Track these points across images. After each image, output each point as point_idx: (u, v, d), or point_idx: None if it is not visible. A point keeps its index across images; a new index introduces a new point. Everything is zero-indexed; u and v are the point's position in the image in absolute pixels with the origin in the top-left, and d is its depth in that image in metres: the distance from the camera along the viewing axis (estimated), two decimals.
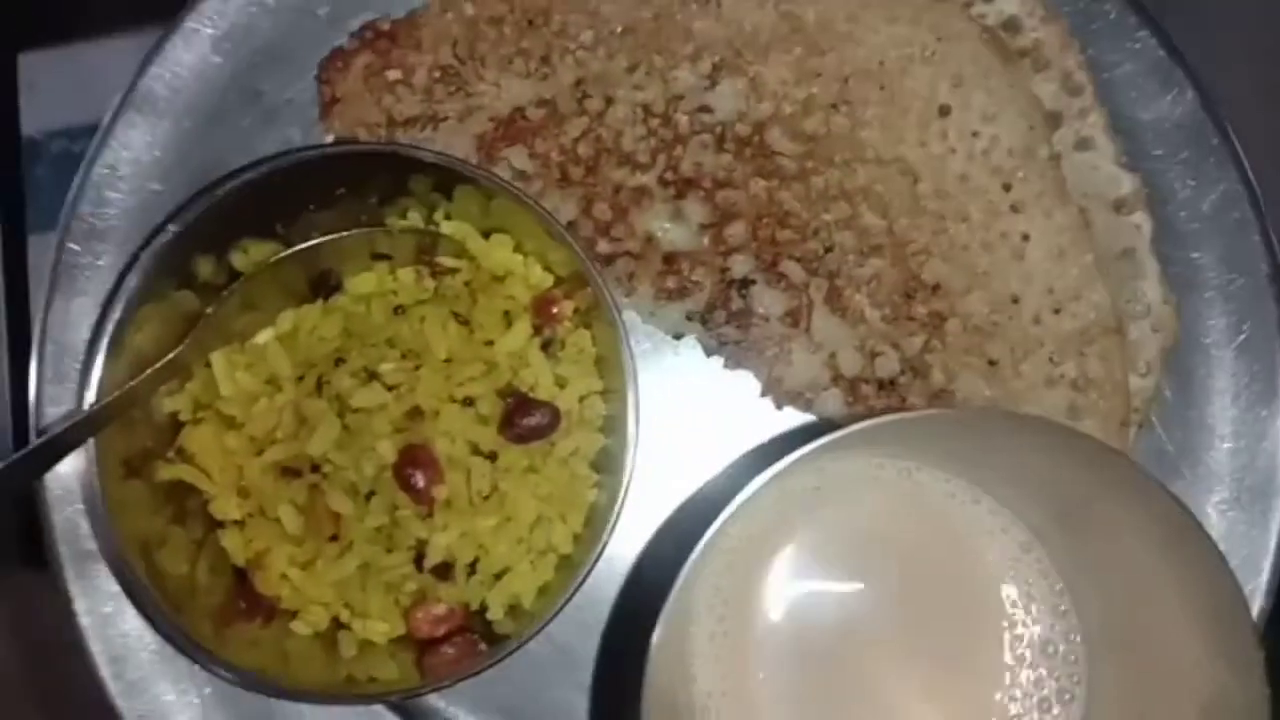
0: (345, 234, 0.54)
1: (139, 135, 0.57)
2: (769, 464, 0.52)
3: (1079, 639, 0.50)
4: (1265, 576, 0.54)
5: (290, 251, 0.53)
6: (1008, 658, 0.50)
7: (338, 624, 0.54)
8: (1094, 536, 0.48)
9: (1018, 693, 0.50)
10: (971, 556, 0.51)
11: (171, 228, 0.50)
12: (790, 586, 0.52)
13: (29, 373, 0.55)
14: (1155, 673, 0.46)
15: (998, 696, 0.50)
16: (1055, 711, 0.50)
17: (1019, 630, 0.51)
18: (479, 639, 0.53)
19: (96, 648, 0.55)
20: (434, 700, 0.57)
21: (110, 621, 0.55)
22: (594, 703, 0.56)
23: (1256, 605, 0.54)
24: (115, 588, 0.55)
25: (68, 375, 0.56)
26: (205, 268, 0.52)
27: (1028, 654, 0.50)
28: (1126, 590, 0.47)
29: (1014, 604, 0.51)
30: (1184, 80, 0.57)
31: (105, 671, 0.55)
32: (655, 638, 0.43)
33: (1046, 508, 0.49)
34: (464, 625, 0.53)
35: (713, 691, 0.51)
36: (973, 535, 0.51)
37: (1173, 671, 0.45)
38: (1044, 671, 0.50)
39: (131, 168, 0.57)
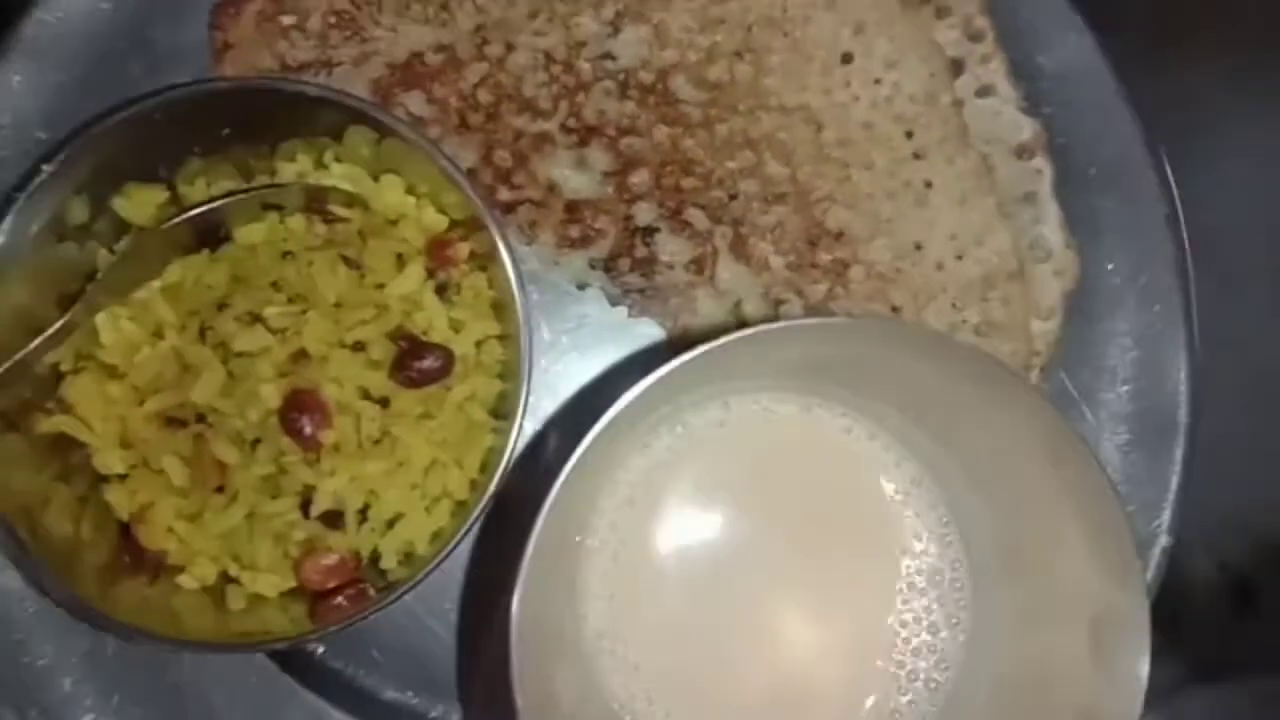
0: (234, 198, 0.52)
1: (23, 83, 0.56)
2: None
3: (964, 568, 0.50)
4: (1166, 515, 0.54)
5: (185, 217, 0.52)
6: (899, 585, 0.50)
7: (226, 578, 0.52)
8: (983, 459, 0.48)
9: (908, 618, 0.50)
10: (866, 491, 0.51)
11: (46, 168, 0.49)
12: (688, 522, 0.51)
13: None
14: (1043, 593, 0.46)
15: (889, 620, 0.50)
16: (943, 635, 0.49)
17: (908, 561, 0.50)
18: (371, 589, 0.52)
19: None
20: (313, 649, 0.56)
21: None
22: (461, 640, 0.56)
23: (1159, 545, 0.54)
24: None
25: None
26: (81, 211, 0.50)
27: (918, 580, 0.50)
28: (1014, 514, 0.47)
29: (907, 534, 0.50)
30: (1081, 26, 0.57)
31: None
32: (526, 560, 0.42)
33: (938, 433, 0.49)
34: (356, 577, 0.52)
35: (604, 632, 0.50)
36: (868, 470, 0.51)
37: (1060, 592, 0.45)
38: (933, 597, 0.50)
39: (14, 116, 0.55)
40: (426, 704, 0.56)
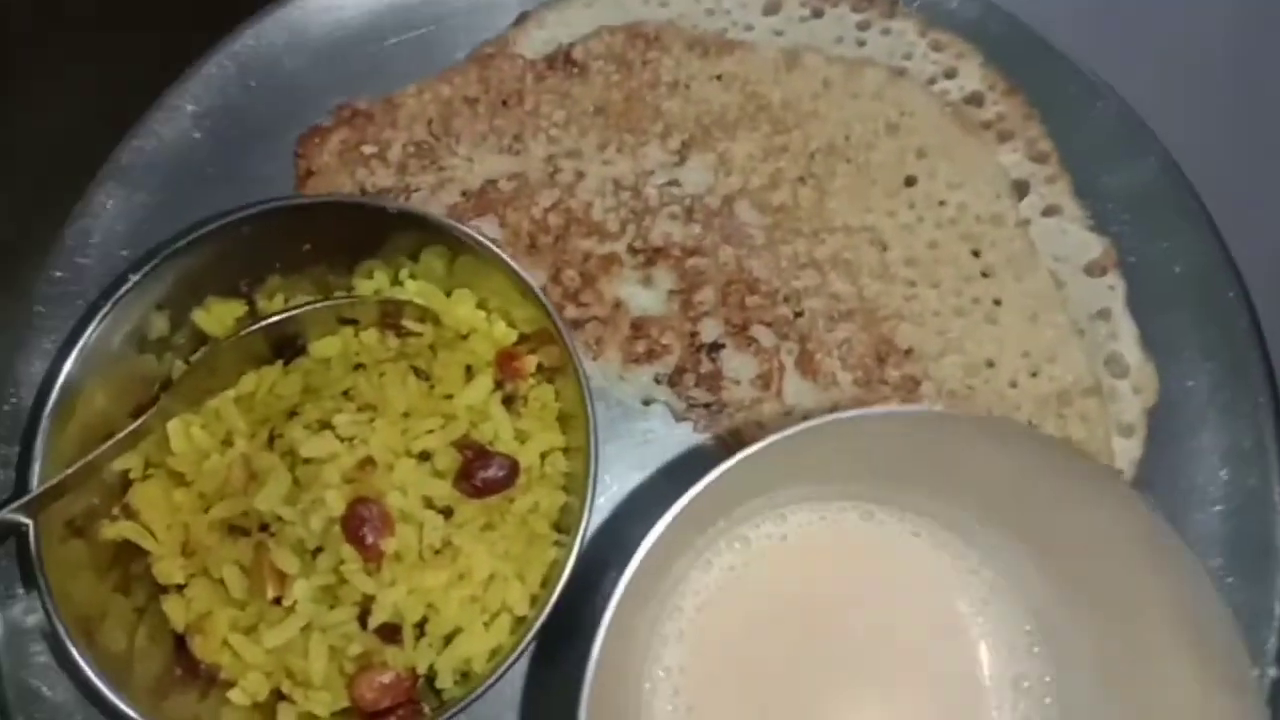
0: (311, 305, 0.54)
1: (114, 205, 0.59)
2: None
3: (1053, 679, 0.46)
4: (1271, 643, 0.50)
5: (259, 326, 0.53)
6: (976, 701, 0.46)
7: (279, 696, 0.50)
8: (1072, 562, 0.45)
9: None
10: (937, 602, 0.48)
11: (133, 278, 0.50)
12: (752, 643, 0.48)
13: None
14: (1145, 707, 0.42)
15: None
16: None
17: (985, 674, 0.47)
18: (425, 711, 0.49)
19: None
20: None
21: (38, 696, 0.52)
22: None
23: (1266, 677, 0.50)
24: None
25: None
26: (161, 324, 0.52)
27: (999, 694, 0.47)
28: (1109, 620, 0.44)
29: (981, 647, 0.47)
30: (1146, 143, 0.58)
31: None
32: (587, 683, 0.39)
33: (1019, 534, 0.46)
34: (410, 697, 0.50)
35: None
36: (937, 578, 0.48)
37: (1166, 703, 0.41)
38: (1020, 711, 0.46)
39: (102, 235, 0.58)
40: None
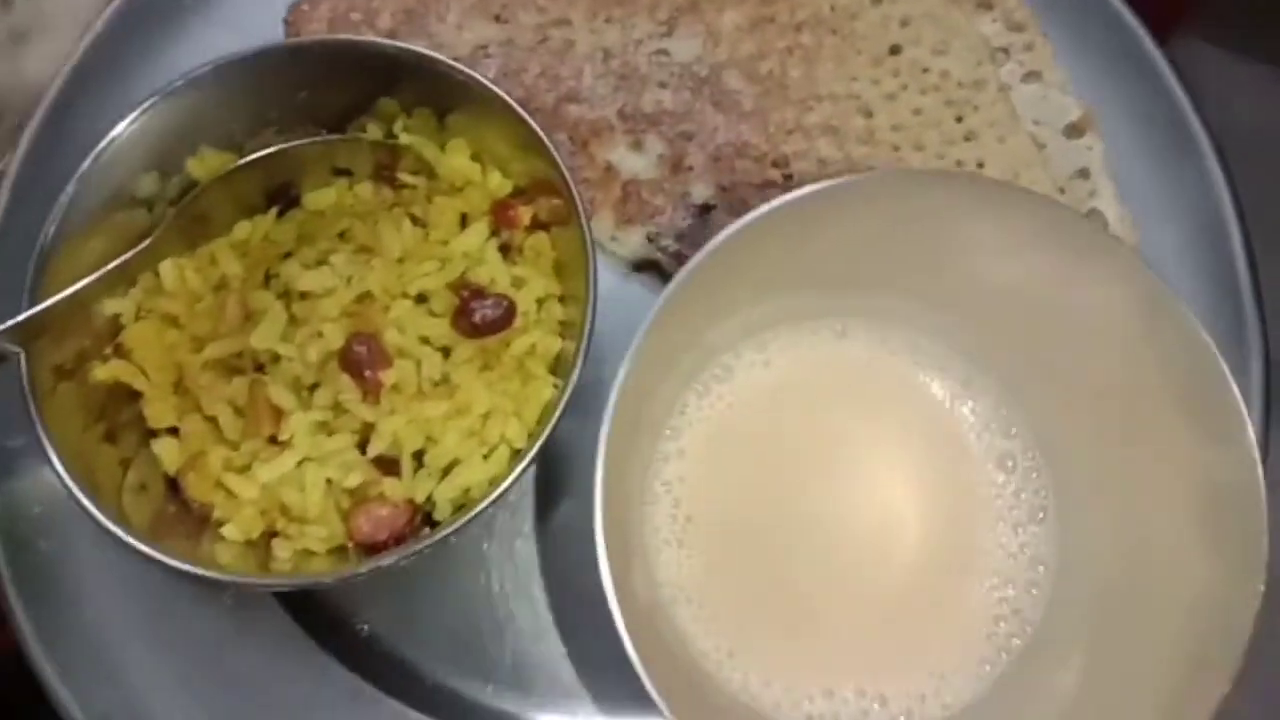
0: (303, 142, 0.53)
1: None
2: None
3: (1037, 455, 0.48)
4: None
5: (248, 160, 0.53)
6: (975, 483, 0.49)
7: (271, 534, 0.50)
8: (1055, 335, 0.46)
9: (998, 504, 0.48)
10: (917, 398, 0.50)
11: (122, 126, 0.50)
12: (748, 458, 0.50)
13: None
14: (1136, 474, 0.43)
15: (975, 523, 0.48)
16: (1032, 529, 0.47)
17: (975, 456, 0.49)
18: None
19: None
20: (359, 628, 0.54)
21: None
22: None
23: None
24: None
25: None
26: (150, 184, 0.51)
27: (991, 474, 0.49)
28: (1096, 389, 0.46)
29: (965, 430, 0.50)
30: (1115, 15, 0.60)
31: None
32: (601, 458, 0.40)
33: (996, 322, 0.48)
34: (406, 533, 0.50)
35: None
36: (913, 377, 0.50)
37: (1157, 470, 0.42)
38: (1011, 491, 0.48)
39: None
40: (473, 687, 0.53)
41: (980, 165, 0.59)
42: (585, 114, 0.60)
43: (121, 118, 0.51)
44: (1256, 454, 0.38)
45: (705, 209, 0.58)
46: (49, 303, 0.47)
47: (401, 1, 0.61)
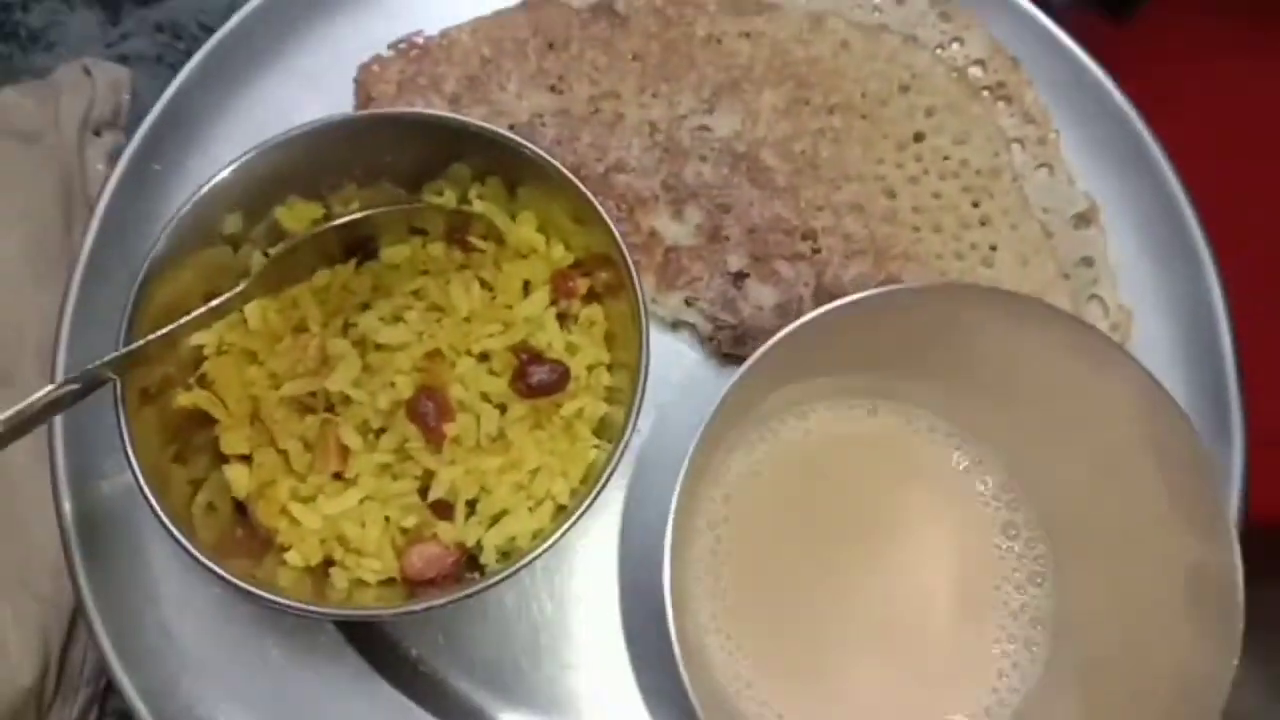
0: (386, 209, 0.58)
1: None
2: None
3: (1038, 526, 0.54)
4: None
5: (334, 224, 0.57)
6: (984, 553, 0.54)
7: (329, 564, 0.54)
8: (1063, 424, 0.52)
9: (999, 581, 0.54)
10: (936, 471, 0.56)
11: (222, 174, 0.54)
12: (780, 512, 0.55)
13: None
14: (1132, 552, 0.49)
15: (983, 590, 0.53)
16: (1031, 592, 0.53)
17: (985, 524, 0.55)
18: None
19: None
20: (407, 650, 0.58)
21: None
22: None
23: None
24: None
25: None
26: (235, 223, 0.55)
27: (998, 542, 0.54)
28: (1095, 474, 0.51)
29: (976, 503, 0.55)
30: (1121, 115, 0.65)
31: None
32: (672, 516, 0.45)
33: (1000, 403, 0.54)
34: (454, 574, 0.54)
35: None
36: (933, 452, 0.56)
37: (1149, 551, 0.48)
38: (1019, 549, 0.54)
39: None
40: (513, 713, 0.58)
41: (993, 248, 0.64)
42: (632, 183, 0.64)
43: (206, 164, 0.56)
44: (1236, 545, 0.43)
45: (740, 276, 0.63)
46: (149, 338, 0.51)
47: (465, 68, 0.65)
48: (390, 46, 0.65)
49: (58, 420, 0.58)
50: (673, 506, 0.46)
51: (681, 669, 0.44)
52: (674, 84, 0.67)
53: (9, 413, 0.47)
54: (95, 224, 0.61)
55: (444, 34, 0.66)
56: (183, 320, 0.53)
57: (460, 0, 0.67)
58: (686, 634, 0.47)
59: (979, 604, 0.53)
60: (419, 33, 0.66)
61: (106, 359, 0.50)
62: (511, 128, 0.64)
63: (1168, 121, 0.65)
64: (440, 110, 0.64)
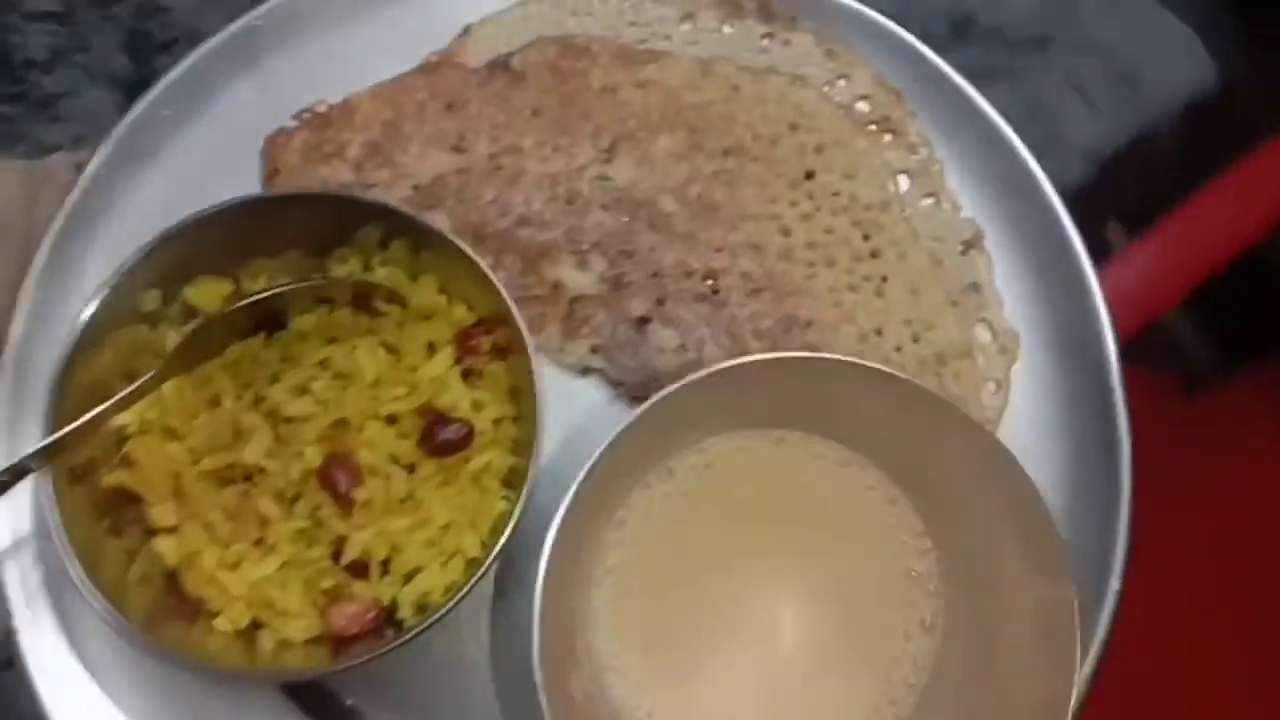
0: (295, 285, 0.60)
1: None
2: None
3: (938, 575, 0.57)
4: (1119, 555, 0.60)
5: (248, 301, 0.60)
6: (888, 592, 0.57)
7: (257, 626, 0.57)
8: (937, 485, 0.56)
9: (898, 620, 0.57)
10: (850, 503, 0.59)
11: (129, 260, 0.57)
12: (683, 548, 0.59)
13: None
14: (994, 596, 0.53)
15: (880, 624, 0.57)
16: (922, 640, 0.56)
17: (896, 567, 0.58)
18: (388, 635, 0.57)
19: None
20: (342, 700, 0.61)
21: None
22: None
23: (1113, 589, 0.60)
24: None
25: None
26: (153, 301, 0.59)
27: (902, 588, 0.57)
28: (964, 528, 0.55)
29: (895, 539, 0.58)
30: (998, 138, 0.68)
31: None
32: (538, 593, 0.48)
33: (897, 459, 0.57)
34: (375, 628, 0.57)
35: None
36: (847, 485, 0.58)
37: (1008, 593, 0.52)
38: (915, 600, 0.57)
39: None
40: None
41: (884, 279, 0.67)
42: (535, 236, 0.67)
43: (121, 248, 0.58)
44: (1070, 579, 0.47)
45: (643, 321, 0.66)
46: (71, 427, 0.54)
47: (368, 133, 0.68)
48: (294, 116, 0.68)
49: None
50: (540, 574, 0.49)
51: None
52: (572, 136, 0.69)
53: None
54: (21, 311, 0.63)
55: (346, 101, 0.69)
56: (103, 406, 0.55)
57: (361, 67, 0.69)
58: (566, 682, 0.49)
59: (870, 643, 0.56)
60: (321, 101, 0.68)
61: (30, 451, 0.53)
62: (415, 189, 0.67)
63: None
64: (345, 176, 0.67)
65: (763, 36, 0.71)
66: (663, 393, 0.51)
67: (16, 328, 0.63)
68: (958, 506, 0.55)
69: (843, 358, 0.53)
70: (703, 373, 0.51)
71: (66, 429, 0.54)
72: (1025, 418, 0.64)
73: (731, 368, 0.52)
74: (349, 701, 0.61)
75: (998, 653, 0.52)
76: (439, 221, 0.66)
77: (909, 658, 0.56)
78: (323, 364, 0.60)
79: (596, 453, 0.51)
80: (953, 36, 0.74)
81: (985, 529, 0.53)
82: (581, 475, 0.50)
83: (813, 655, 0.56)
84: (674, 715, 0.54)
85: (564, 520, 0.50)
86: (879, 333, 0.66)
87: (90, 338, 0.56)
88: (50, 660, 0.59)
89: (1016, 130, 0.68)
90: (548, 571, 0.49)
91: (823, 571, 0.58)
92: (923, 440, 0.54)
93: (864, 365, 0.53)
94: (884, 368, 0.53)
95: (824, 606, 0.57)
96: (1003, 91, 0.69)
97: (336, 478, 0.56)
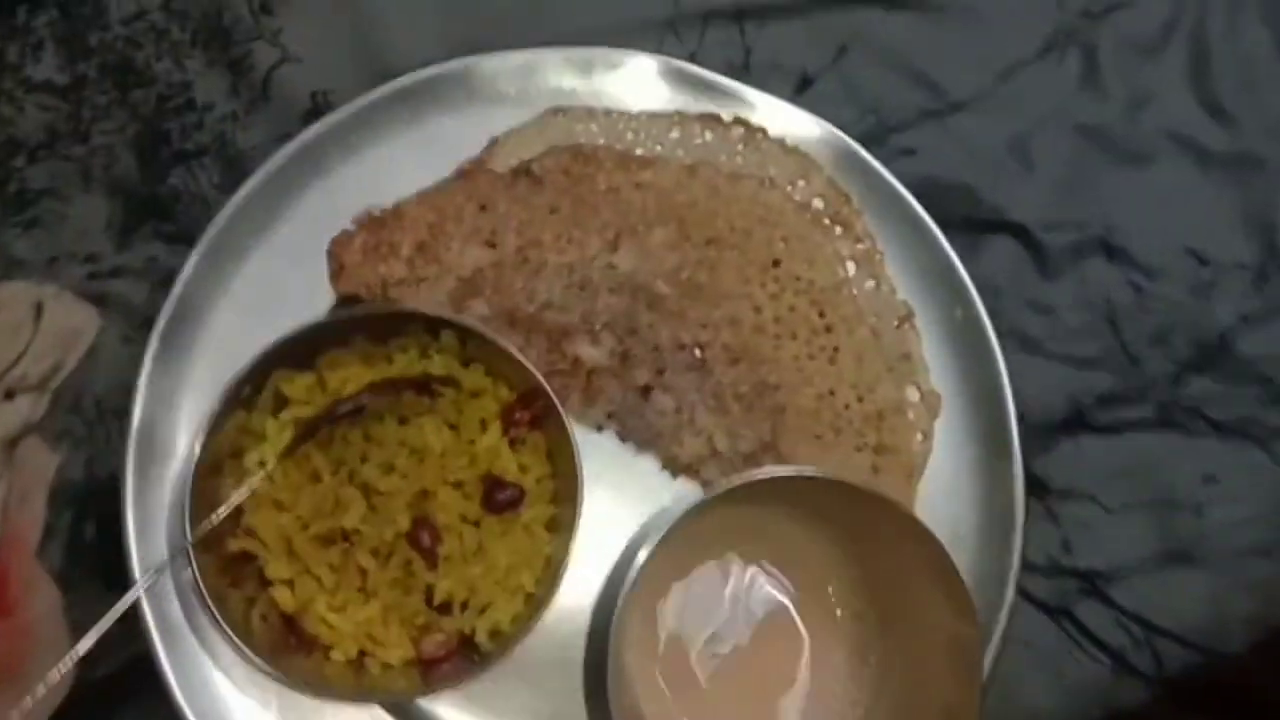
0: (377, 398, 0.75)
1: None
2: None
3: (878, 624, 0.77)
4: (1011, 579, 0.79)
5: (350, 407, 0.73)
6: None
7: (363, 654, 0.73)
8: (874, 553, 0.75)
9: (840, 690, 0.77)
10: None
11: (245, 371, 0.71)
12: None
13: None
14: (917, 634, 0.72)
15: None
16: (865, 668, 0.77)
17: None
18: (470, 658, 0.73)
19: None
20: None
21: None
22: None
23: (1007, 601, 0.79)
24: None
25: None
26: (251, 389, 0.73)
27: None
28: (898, 589, 0.74)
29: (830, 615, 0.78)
30: (930, 238, 0.84)
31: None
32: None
33: (841, 546, 0.77)
34: (458, 650, 0.74)
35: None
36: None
37: (928, 632, 0.71)
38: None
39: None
40: None
41: (836, 350, 0.83)
42: (557, 318, 0.82)
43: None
44: (978, 620, 0.67)
45: (646, 389, 0.81)
46: (221, 513, 0.69)
47: (415, 234, 0.81)
48: (353, 220, 0.81)
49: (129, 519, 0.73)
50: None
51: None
52: (583, 230, 0.83)
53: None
54: (134, 422, 0.75)
55: (396, 205, 0.81)
56: (240, 494, 0.70)
57: (408, 175, 0.82)
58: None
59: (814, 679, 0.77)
60: (375, 206, 0.81)
61: (188, 543, 0.67)
62: (459, 280, 0.81)
63: None
64: (400, 272, 0.80)
65: (738, 141, 0.86)
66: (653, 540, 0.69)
67: (136, 411, 0.75)
68: (894, 572, 0.74)
69: (814, 473, 0.72)
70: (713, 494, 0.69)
71: (218, 514, 0.68)
72: (946, 460, 0.83)
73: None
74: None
75: (922, 676, 0.72)
76: (480, 309, 0.80)
77: (857, 685, 0.76)
78: (400, 442, 0.74)
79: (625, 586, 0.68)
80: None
81: (915, 588, 0.72)
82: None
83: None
84: None
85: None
86: (832, 393, 0.83)
87: (209, 445, 0.70)
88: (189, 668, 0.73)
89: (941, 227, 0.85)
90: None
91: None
92: (867, 529, 0.73)
93: (824, 478, 0.71)
94: (841, 478, 0.71)
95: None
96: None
97: (422, 537, 0.72)
